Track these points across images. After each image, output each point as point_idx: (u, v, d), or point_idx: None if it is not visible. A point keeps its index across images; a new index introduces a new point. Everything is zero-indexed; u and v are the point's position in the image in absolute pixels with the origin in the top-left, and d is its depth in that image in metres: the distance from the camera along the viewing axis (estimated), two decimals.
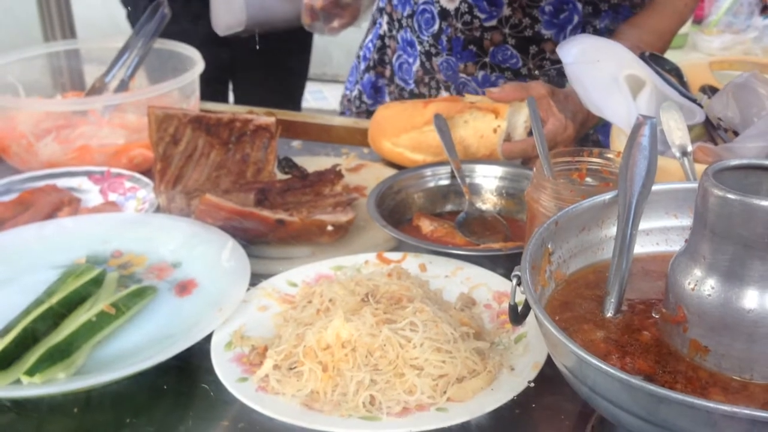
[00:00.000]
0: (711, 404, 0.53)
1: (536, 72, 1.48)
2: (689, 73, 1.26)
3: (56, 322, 0.91)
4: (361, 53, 1.75)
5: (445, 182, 1.26)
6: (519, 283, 0.72)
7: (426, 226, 1.17)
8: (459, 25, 1.48)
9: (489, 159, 1.27)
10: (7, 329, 0.88)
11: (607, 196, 0.81)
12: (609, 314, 0.73)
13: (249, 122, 1.29)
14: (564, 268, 0.79)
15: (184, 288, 1.03)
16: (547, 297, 0.76)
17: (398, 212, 1.21)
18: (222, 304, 0.94)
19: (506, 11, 1.42)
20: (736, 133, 1.08)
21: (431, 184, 1.25)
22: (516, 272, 0.73)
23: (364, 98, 1.74)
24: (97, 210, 1.24)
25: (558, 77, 1.46)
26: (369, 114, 1.73)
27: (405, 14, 1.57)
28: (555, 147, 1.24)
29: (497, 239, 1.13)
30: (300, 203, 1.20)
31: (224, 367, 0.86)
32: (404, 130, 1.33)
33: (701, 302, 0.65)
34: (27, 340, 0.86)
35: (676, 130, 0.97)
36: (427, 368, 0.81)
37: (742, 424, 0.54)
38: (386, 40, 1.67)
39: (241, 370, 0.86)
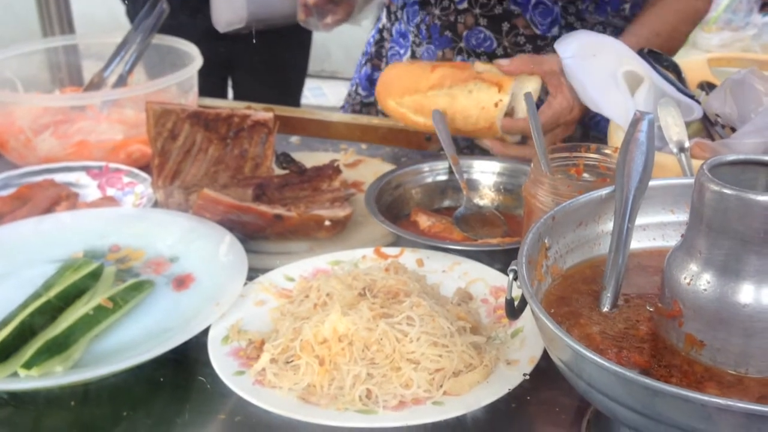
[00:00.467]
0: (706, 397, 0.54)
1: (510, 52, 1.47)
2: (687, 70, 1.26)
3: (54, 315, 0.91)
4: (364, 48, 1.75)
5: (443, 178, 1.26)
6: (516, 278, 0.72)
7: (424, 221, 1.17)
8: (437, 12, 1.47)
9: (489, 132, 1.25)
10: (5, 322, 0.88)
11: (604, 191, 0.81)
12: (605, 309, 0.73)
13: (247, 117, 1.29)
14: (561, 263, 0.80)
15: (181, 282, 1.03)
16: (543, 291, 0.76)
17: (396, 208, 1.22)
18: (219, 299, 0.95)
19: None
20: (733, 130, 1.08)
21: (429, 180, 1.26)
22: (513, 267, 0.73)
23: (359, 90, 1.74)
24: (95, 205, 1.25)
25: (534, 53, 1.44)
26: (363, 106, 1.73)
27: (399, 5, 1.58)
28: (557, 128, 1.22)
29: (495, 235, 1.14)
30: (298, 198, 1.21)
31: (221, 360, 0.86)
32: (408, 92, 1.31)
33: (697, 297, 0.65)
34: (24, 334, 0.87)
35: (674, 126, 0.97)
36: (424, 362, 0.81)
37: (737, 418, 0.54)
38: (384, 33, 1.67)
39: (238, 363, 0.86)
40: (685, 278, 0.67)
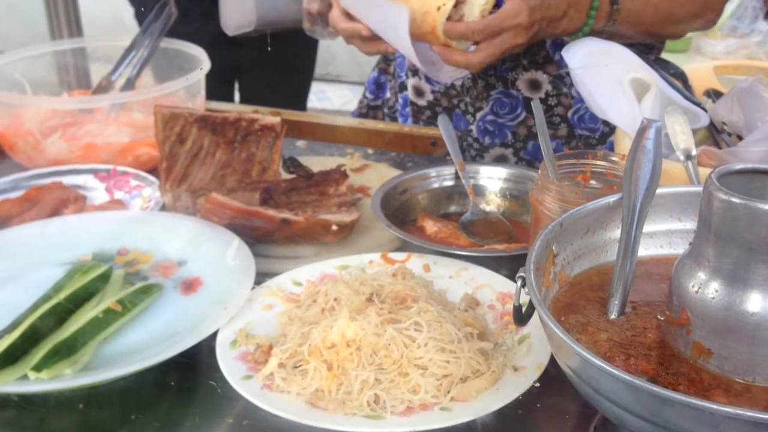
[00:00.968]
0: (715, 406, 0.54)
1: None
2: (694, 77, 1.27)
3: (64, 317, 0.91)
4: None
5: (450, 183, 1.26)
6: (524, 285, 0.72)
7: (430, 226, 1.18)
8: None
9: (433, 37, 1.19)
10: (15, 325, 0.88)
11: (612, 198, 0.81)
12: (613, 316, 0.74)
13: (254, 122, 1.29)
14: (568, 270, 0.80)
15: (189, 286, 1.03)
16: (551, 298, 0.77)
17: (402, 213, 1.22)
18: (227, 303, 0.95)
19: None
20: (740, 137, 1.09)
21: (435, 185, 1.26)
22: (521, 274, 0.73)
23: (367, 93, 1.75)
24: (103, 208, 1.25)
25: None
26: (370, 109, 1.74)
27: None
28: (503, 33, 1.16)
29: (501, 240, 1.14)
30: (305, 203, 1.21)
31: (229, 364, 0.86)
32: None
33: (705, 305, 0.66)
34: (34, 336, 0.87)
35: (681, 134, 0.97)
36: (431, 368, 0.82)
37: (745, 427, 0.54)
38: None
39: (246, 368, 0.86)
40: (693, 286, 0.67)
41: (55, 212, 1.22)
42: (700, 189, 0.73)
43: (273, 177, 1.28)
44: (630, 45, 1.22)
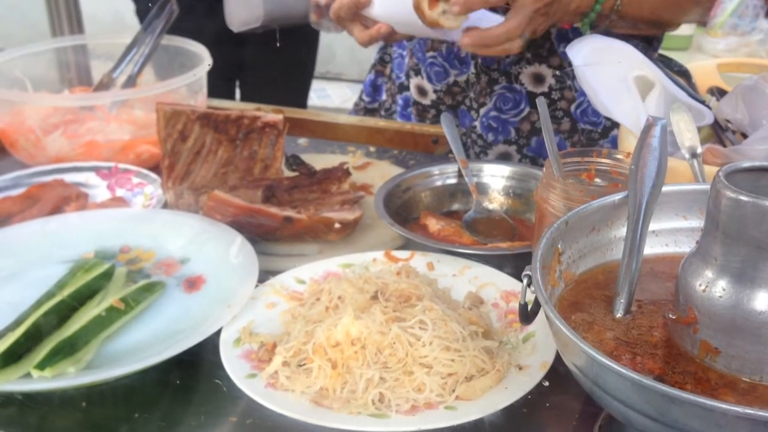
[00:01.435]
0: (725, 405, 0.54)
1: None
2: (697, 75, 1.26)
3: (67, 315, 0.91)
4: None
5: (453, 181, 1.26)
6: (530, 283, 0.72)
7: (433, 224, 1.17)
8: None
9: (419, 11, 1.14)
10: (18, 322, 0.88)
11: (617, 196, 0.81)
12: (619, 314, 0.73)
13: (257, 119, 1.29)
14: (573, 268, 0.80)
15: (192, 284, 1.03)
16: (556, 297, 0.77)
17: (405, 210, 1.22)
18: (230, 301, 0.95)
19: None
20: (744, 135, 1.08)
21: (438, 183, 1.26)
22: (527, 272, 0.73)
23: (363, 96, 1.75)
24: (105, 205, 1.25)
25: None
26: (367, 112, 1.74)
27: None
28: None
29: (504, 239, 1.14)
30: (307, 200, 1.21)
31: (233, 363, 0.86)
32: None
33: (712, 304, 0.65)
34: (37, 334, 0.87)
35: (686, 131, 0.97)
36: (436, 366, 0.81)
37: (755, 427, 0.54)
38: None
39: (250, 366, 0.86)
40: (700, 285, 0.67)
41: (57, 210, 1.21)
42: (705, 187, 0.73)
43: (275, 174, 1.27)
44: (628, 39, 1.22)
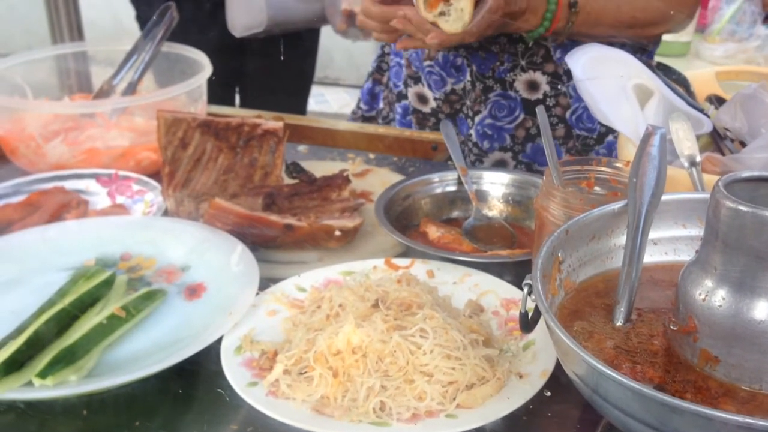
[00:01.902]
0: (725, 415, 0.54)
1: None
2: (695, 83, 1.27)
3: (68, 323, 0.91)
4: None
5: (452, 188, 1.26)
6: (530, 292, 0.72)
7: (433, 232, 1.18)
8: None
9: None
10: (20, 330, 0.88)
11: (617, 205, 0.81)
12: (619, 323, 0.74)
13: (257, 126, 1.29)
14: (573, 277, 0.80)
15: (193, 292, 1.03)
16: (557, 305, 0.77)
17: (405, 218, 1.22)
18: (231, 308, 0.95)
19: None
20: (743, 144, 1.09)
21: (438, 191, 1.26)
22: (527, 281, 0.73)
23: (361, 104, 1.76)
24: (105, 212, 1.25)
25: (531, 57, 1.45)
26: (365, 119, 1.74)
27: None
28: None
29: (504, 246, 1.14)
30: (307, 208, 1.21)
31: (234, 371, 0.86)
32: None
33: (712, 313, 0.66)
34: (39, 342, 0.87)
35: (685, 140, 0.98)
36: (437, 375, 0.82)
37: None
38: (386, 48, 1.68)
39: (251, 374, 0.86)
40: (700, 294, 0.67)
41: (57, 217, 1.21)
42: (704, 196, 0.73)
43: (276, 182, 1.27)
44: (622, 46, 1.23)
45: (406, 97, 1.61)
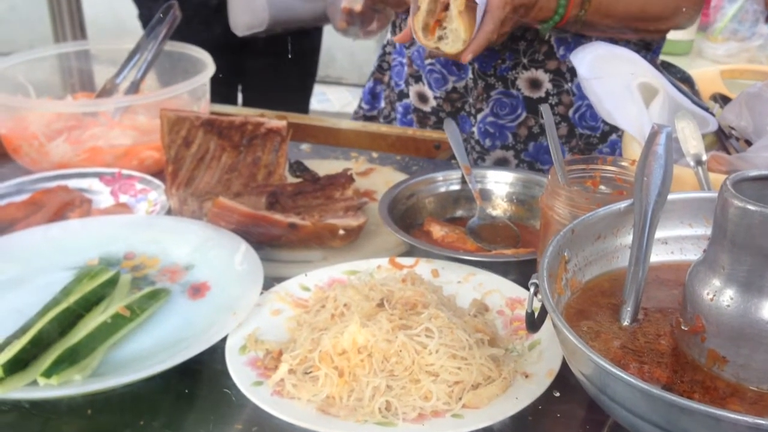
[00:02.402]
0: (734, 415, 0.54)
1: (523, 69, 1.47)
2: (700, 81, 1.27)
3: (73, 322, 0.91)
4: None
5: (456, 187, 1.26)
6: (536, 292, 0.72)
7: (437, 231, 1.17)
8: None
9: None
10: (24, 329, 0.88)
11: (623, 204, 0.81)
12: (625, 323, 0.73)
13: (260, 125, 1.29)
14: (580, 276, 0.80)
15: (197, 291, 1.03)
16: (563, 305, 0.77)
17: (409, 217, 1.22)
18: (235, 308, 0.95)
19: None
20: (748, 142, 1.08)
21: (442, 189, 1.26)
22: (533, 280, 0.73)
23: (363, 104, 1.75)
24: (109, 211, 1.25)
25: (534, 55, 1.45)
26: (366, 119, 1.74)
27: (402, 17, 1.59)
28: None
29: (508, 245, 1.14)
30: (311, 207, 1.21)
31: (239, 370, 0.86)
32: None
33: (720, 312, 0.66)
34: (43, 341, 0.87)
35: (691, 139, 0.97)
36: (443, 374, 0.81)
37: None
38: (387, 48, 1.68)
39: (256, 374, 0.86)
40: (707, 294, 0.67)
41: (61, 216, 1.21)
42: (711, 195, 0.73)
43: (279, 181, 1.27)
44: (627, 44, 1.23)
45: (407, 95, 1.61)
